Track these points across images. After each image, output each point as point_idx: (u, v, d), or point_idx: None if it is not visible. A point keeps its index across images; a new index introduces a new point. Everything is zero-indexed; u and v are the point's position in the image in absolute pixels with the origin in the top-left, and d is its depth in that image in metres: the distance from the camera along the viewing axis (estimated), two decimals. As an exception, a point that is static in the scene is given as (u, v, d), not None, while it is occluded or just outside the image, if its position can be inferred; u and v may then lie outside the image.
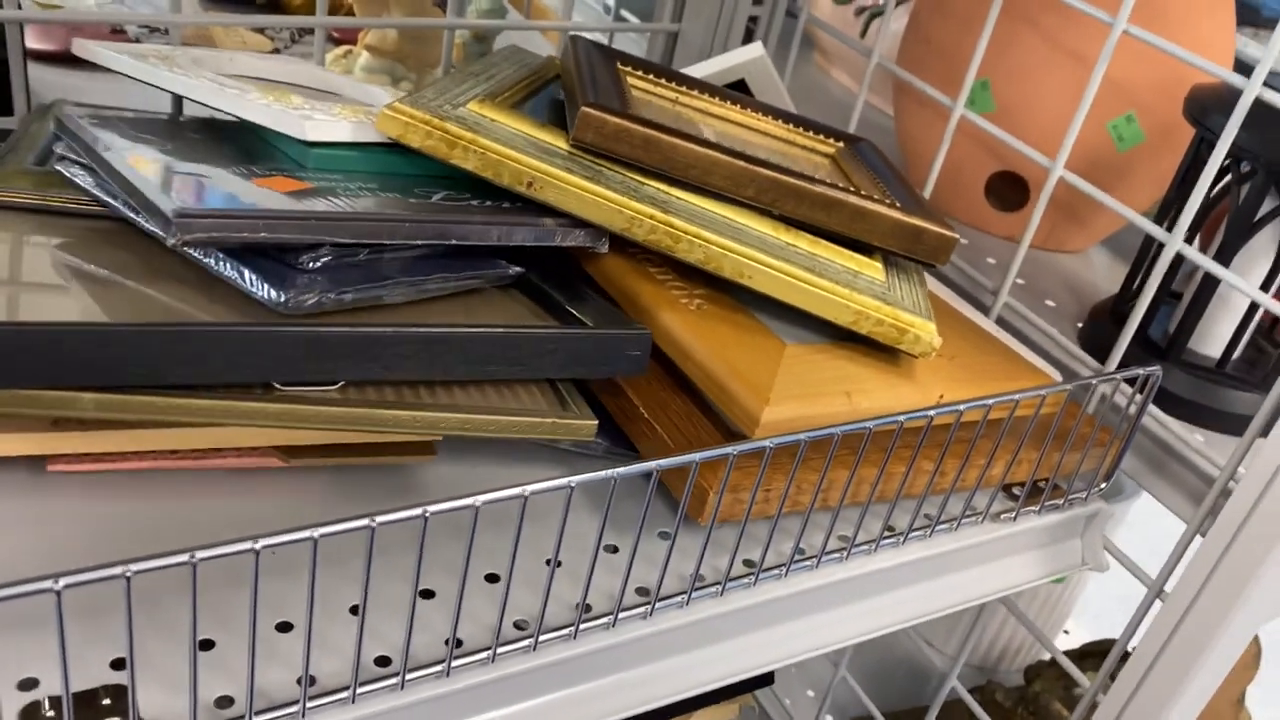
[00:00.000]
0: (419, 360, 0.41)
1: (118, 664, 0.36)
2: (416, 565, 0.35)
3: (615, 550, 0.47)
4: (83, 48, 0.56)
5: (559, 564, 0.45)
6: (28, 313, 0.38)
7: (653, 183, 0.50)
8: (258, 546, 0.31)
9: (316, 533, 0.32)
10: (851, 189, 0.53)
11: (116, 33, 0.81)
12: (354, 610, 0.40)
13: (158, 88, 0.54)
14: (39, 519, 0.41)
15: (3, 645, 0.36)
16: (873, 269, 0.51)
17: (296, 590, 0.41)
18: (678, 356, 0.49)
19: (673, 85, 0.62)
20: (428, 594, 0.42)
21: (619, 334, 0.46)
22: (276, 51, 0.87)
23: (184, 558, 0.30)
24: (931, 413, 0.45)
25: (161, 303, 0.41)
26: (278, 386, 0.40)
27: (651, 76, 0.62)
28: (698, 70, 0.68)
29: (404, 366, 0.41)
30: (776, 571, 0.46)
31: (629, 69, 0.61)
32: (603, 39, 0.98)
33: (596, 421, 0.44)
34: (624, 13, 1.00)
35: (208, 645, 0.38)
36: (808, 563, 0.47)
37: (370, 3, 0.78)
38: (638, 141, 0.49)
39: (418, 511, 0.34)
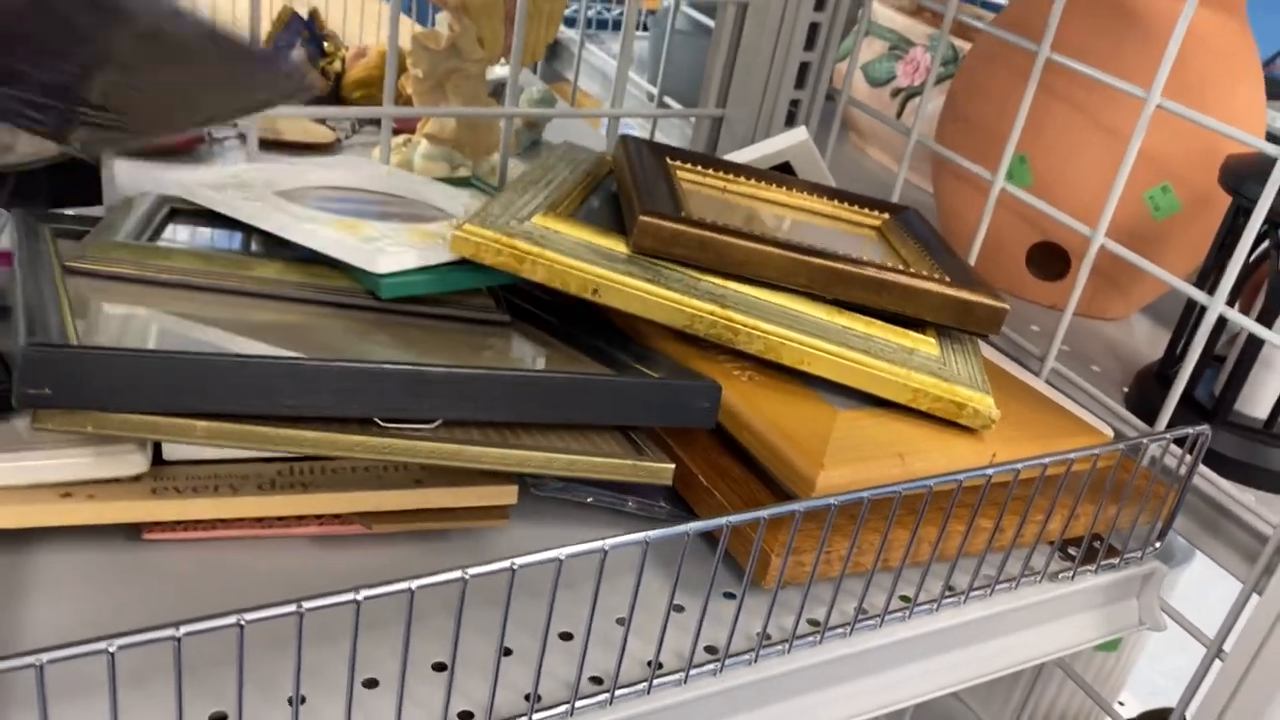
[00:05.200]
0: (510, 402, 0.44)
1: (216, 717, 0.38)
2: (502, 622, 0.37)
3: (681, 610, 0.48)
4: (172, 183, 0.60)
5: (626, 621, 0.46)
6: (153, 344, 0.41)
7: (709, 278, 0.53)
8: (359, 598, 0.33)
9: (414, 584, 0.34)
10: (900, 267, 0.55)
11: (189, 128, 0.85)
12: (439, 667, 0.42)
13: (240, 221, 0.57)
14: (135, 581, 0.43)
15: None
16: (927, 345, 0.53)
17: (379, 648, 0.42)
18: (732, 425, 0.51)
19: (720, 174, 0.65)
20: (507, 651, 0.44)
21: (692, 385, 0.48)
22: (338, 141, 0.91)
23: (291, 607, 0.32)
24: (990, 472, 0.46)
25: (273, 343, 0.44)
26: (379, 423, 0.42)
27: (699, 168, 0.65)
28: (745, 155, 0.71)
29: (496, 407, 0.44)
30: (841, 630, 0.47)
31: (678, 163, 0.64)
32: (647, 124, 1.02)
33: (673, 465, 0.46)
34: (667, 99, 1.04)
35: (298, 701, 0.39)
36: (871, 622, 0.48)
37: (429, 93, 0.82)
38: (693, 243, 0.52)
39: (505, 564, 0.36)
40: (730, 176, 0.65)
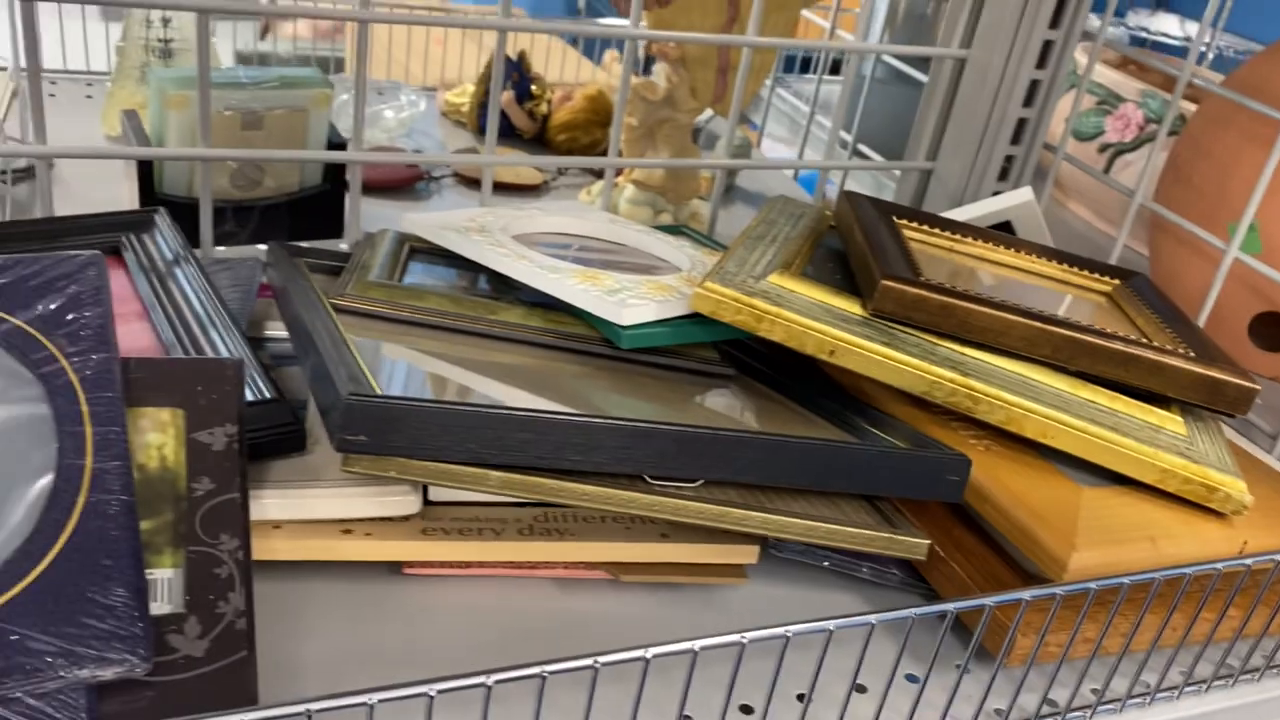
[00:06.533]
0: (772, 467, 0.45)
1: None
2: (771, 683, 0.38)
3: (914, 680, 0.48)
4: (413, 224, 0.63)
5: (863, 689, 0.47)
6: (429, 390, 0.44)
7: (947, 344, 0.53)
8: (648, 655, 0.34)
9: (697, 645, 0.35)
10: (1144, 340, 0.54)
11: (410, 165, 0.89)
12: (687, 722, 0.43)
13: (485, 266, 0.60)
14: (397, 614, 0.46)
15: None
16: (1173, 423, 0.52)
17: (607, 696, 0.43)
18: (973, 498, 0.50)
19: (946, 234, 0.65)
20: (747, 709, 0.44)
21: (943, 458, 0.48)
22: (545, 183, 0.94)
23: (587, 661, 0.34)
24: (1249, 562, 0.45)
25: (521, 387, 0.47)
26: (648, 480, 0.44)
27: (925, 226, 0.65)
28: (966, 213, 0.70)
29: (753, 470, 0.45)
30: (1081, 713, 0.46)
31: (904, 221, 0.64)
32: (840, 173, 1.02)
33: (929, 541, 0.46)
34: (861, 147, 1.04)
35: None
36: (1112, 706, 0.47)
37: (639, 141, 0.84)
38: (934, 309, 0.52)
39: (780, 632, 0.36)
40: (957, 236, 0.65)
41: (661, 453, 0.42)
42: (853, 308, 0.54)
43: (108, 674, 0.34)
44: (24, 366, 0.40)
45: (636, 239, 0.70)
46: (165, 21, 0.87)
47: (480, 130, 1.00)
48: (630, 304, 0.55)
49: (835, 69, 1.26)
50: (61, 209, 0.63)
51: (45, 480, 0.37)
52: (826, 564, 0.51)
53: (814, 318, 0.53)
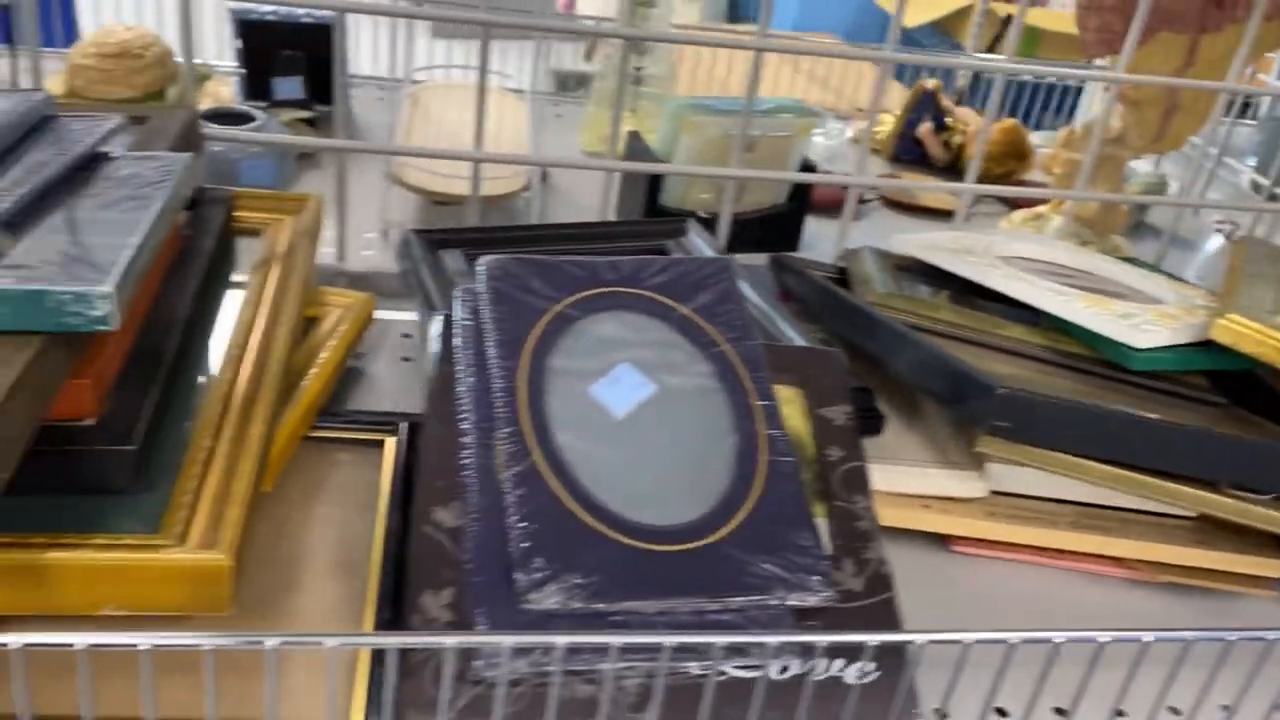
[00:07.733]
0: None
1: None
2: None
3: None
4: (905, 243, 0.71)
5: None
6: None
7: None
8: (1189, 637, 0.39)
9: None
10: None
11: (842, 188, 0.97)
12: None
13: (984, 285, 0.66)
14: (941, 582, 0.53)
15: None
16: None
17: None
18: None
19: None
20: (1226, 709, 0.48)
21: None
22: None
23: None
24: None
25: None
26: (1225, 488, 0.49)
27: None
28: None
29: None
30: None
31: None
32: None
33: None
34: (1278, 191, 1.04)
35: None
36: None
37: (1076, 176, 0.88)
38: None
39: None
40: None
41: (1253, 463, 0.47)
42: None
43: (810, 600, 0.42)
44: (696, 347, 0.49)
45: (1101, 267, 0.74)
46: (641, 53, 0.98)
47: (894, 158, 1.07)
48: (1144, 329, 0.59)
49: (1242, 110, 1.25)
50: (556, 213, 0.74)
51: (732, 440, 0.46)
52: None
53: (1332, 356, 0.56)
